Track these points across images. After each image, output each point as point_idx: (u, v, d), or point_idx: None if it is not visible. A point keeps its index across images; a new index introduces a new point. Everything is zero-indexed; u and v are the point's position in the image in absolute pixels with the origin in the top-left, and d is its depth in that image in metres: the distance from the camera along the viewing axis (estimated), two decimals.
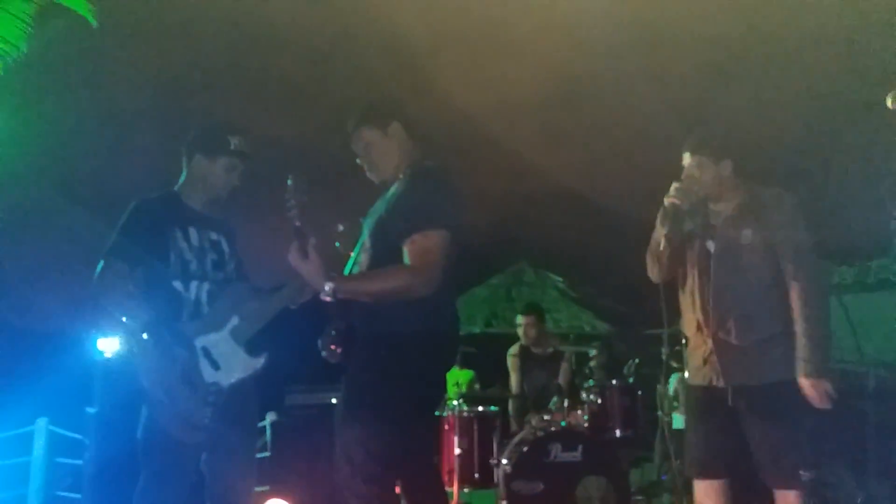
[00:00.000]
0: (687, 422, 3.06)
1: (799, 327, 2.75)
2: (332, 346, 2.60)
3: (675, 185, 2.93)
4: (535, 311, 5.44)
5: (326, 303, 2.59)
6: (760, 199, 2.91)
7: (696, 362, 2.97)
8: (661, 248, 2.93)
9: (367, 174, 2.75)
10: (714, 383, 2.88)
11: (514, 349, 5.40)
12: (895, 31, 3.39)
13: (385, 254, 2.52)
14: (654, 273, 3.05)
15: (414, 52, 3.80)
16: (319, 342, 2.69)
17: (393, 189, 2.66)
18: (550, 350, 5.24)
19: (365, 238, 2.65)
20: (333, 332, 2.62)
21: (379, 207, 2.66)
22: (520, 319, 5.33)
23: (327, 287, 2.42)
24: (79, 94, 4.03)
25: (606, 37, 3.70)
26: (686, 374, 3.10)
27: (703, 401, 2.95)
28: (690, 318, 2.99)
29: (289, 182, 2.53)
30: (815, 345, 2.72)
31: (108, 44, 3.58)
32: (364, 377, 2.52)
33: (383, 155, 2.69)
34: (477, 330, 7.36)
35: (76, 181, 4.59)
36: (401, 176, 2.65)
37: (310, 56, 3.89)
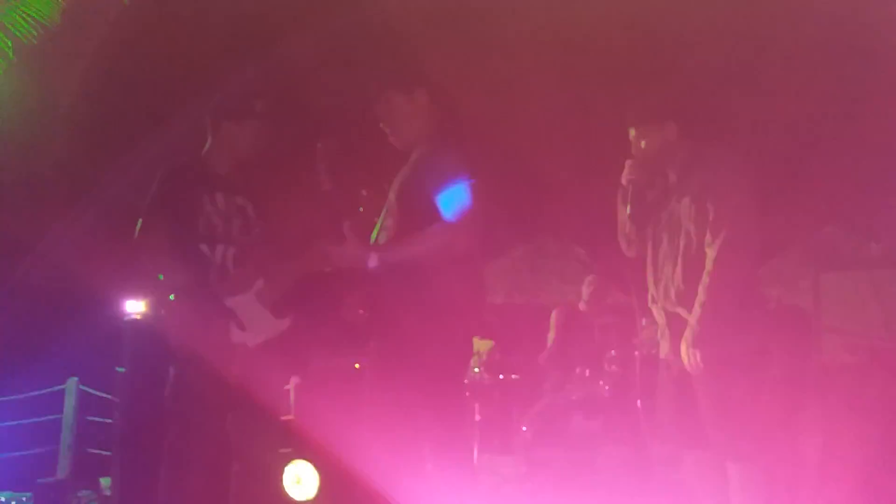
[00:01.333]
0: (658, 397, 3.03)
1: (698, 293, 2.70)
2: (360, 311, 2.63)
3: (628, 163, 2.88)
4: (606, 276, 5.44)
5: (352, 267, 2.61)
6: (701, 159, 2.82)
7: (658, 336, 2.97)
8: (628, 229, 2.91)
9: (391, 139, 2.74)
10: (669, 356, 2.88)
11: (559, 312, 5.39)
12: None
13: (414, 215, 2.53)
14: (627, 251, 3.04)
15: (445, 19, 3.76)
16: (345, 306, 2.72)
17: (418, 152, 2.66)
18: (596, 319, 5.20)
19: (392, 202, 2.65)
20: (359, 297, 2.64)
21: (405, 171, 2.66)
22: (591, 279, 5.32)
23: (373, 261, 2.43)
24: (108, 60, 4.05)
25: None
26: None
27: (665, 375, 2.93)
28: (650, 293, 2.97)
29: (318, 146, 2.53)
30: (703, 319, 2.68)
31: (136, 13, 3.59)
32: (391, 342, 2.54)
33: (408, 120, 2.68)
34: (498, 300, 7.36)
35: (103, 145, 4.63)
36: (424, 140, 2.65)
37: (341, 25, 3.88)
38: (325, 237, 2.76)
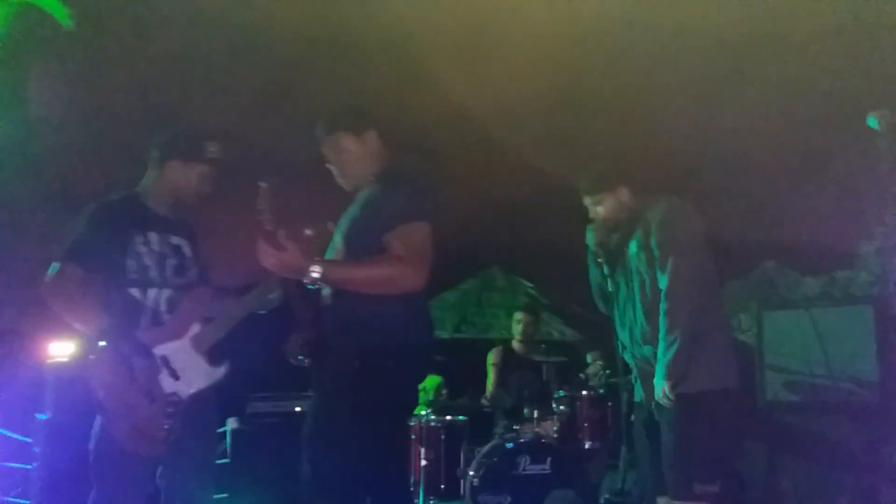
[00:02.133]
0: (634, 442, 3.13)
1: (660, 339, 2.83)
2: (300, 356, 2.51)
3: (590, 234, 3.05)
4: (535, 311, 5.40)
5: (294, 310, 2.50)
6: (644, 210, 2.98)
7: (632, 380, 3.08)
8: (610, 289, 3.03)
9: (337, 180, 2.67)
10: (642, 400, 3.00)
11: (497, 351, 5.29)
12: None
13: (360, 255, 2.46)
14: (606, 310, 3.16)
15: (392, 54, 3.71)
16: (286, 350, 2.59)
17: (366, 192, 2.60)
18: (535, 357, 5.12)
19: (337, 242, 2.56)
20: (302, 341, 2.53)
21: (352, 211, 2.58)
22: (518, 316, 5.26)
23: (314, 272, 2.30)
24: (49, 93, 3.87)
25: (604, 43, 3.64)
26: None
27: (638, 419, 3.05)
28: (619, 340, 3.09)
29: (262, 185, 2.43)
30: (668, 350, 2.80)
31: (80, 45, 3.46)
32: (334, 389, 2.43)
33: (357, 162, 2.63)
34: (446, 335, 7.27)
35: (35, 178, 4.41)
36: (372, 180, 2.59)
37: (285, 58, 3.78)
38: (265, 279, 2.64)
